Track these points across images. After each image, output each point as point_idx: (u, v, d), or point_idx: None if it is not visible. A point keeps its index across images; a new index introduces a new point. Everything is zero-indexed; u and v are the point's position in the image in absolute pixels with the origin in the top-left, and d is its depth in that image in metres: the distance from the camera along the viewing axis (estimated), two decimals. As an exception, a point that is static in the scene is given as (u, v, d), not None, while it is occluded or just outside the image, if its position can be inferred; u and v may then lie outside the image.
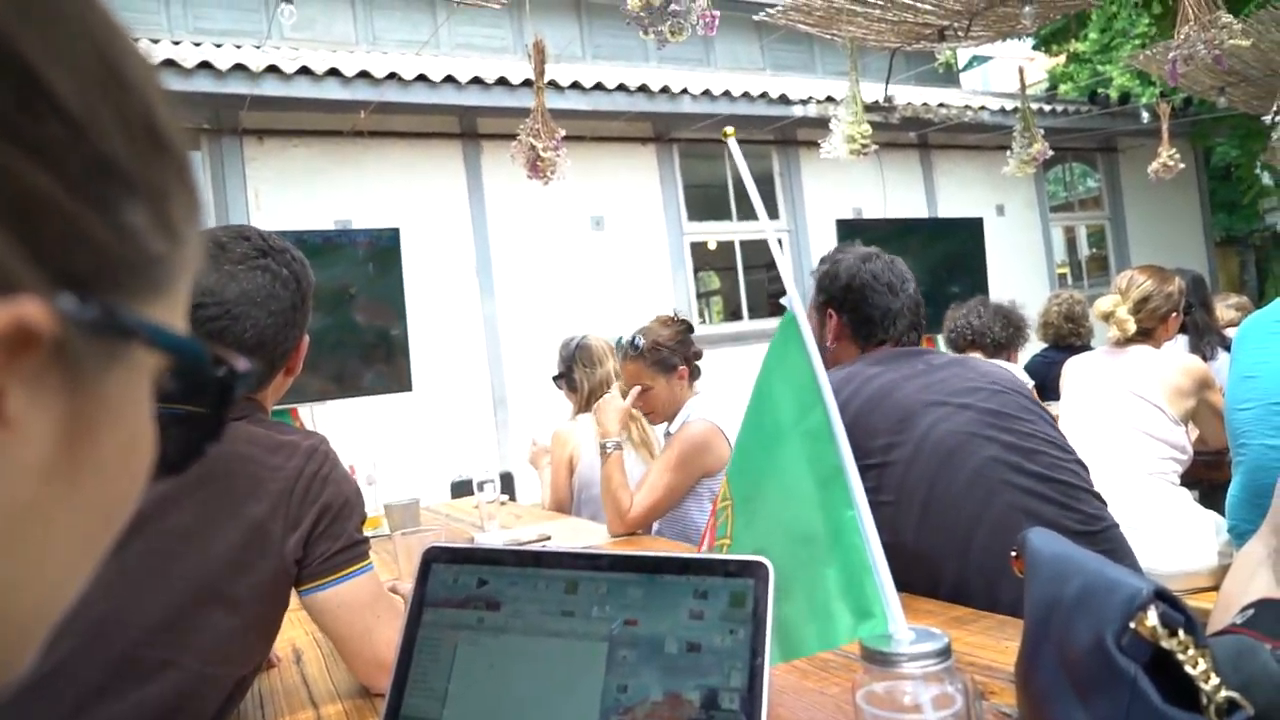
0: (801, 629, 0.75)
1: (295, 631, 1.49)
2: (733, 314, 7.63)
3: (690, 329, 2.47)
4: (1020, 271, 7.88)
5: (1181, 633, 0.57)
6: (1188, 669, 0.55)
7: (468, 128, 5.86)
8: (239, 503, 0.98)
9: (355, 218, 5.37)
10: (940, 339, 5.47)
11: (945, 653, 0.63)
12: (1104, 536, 1.40)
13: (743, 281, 7.02)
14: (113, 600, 0.88)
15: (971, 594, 1.29)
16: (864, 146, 4.46)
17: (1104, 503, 1.46)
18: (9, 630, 0.25)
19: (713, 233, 7.02)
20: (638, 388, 2.33)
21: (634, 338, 2.39)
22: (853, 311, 1.61)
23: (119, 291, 0.24)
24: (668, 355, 2.36)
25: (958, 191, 7.83)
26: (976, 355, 3.23)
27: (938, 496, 1.36)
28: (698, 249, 6.91)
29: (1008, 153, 5.28)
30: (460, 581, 0.70)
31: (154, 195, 0.25)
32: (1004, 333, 3.29)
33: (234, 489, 0.98)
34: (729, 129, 0.97)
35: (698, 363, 2.46)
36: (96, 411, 0.24)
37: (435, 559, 0.71)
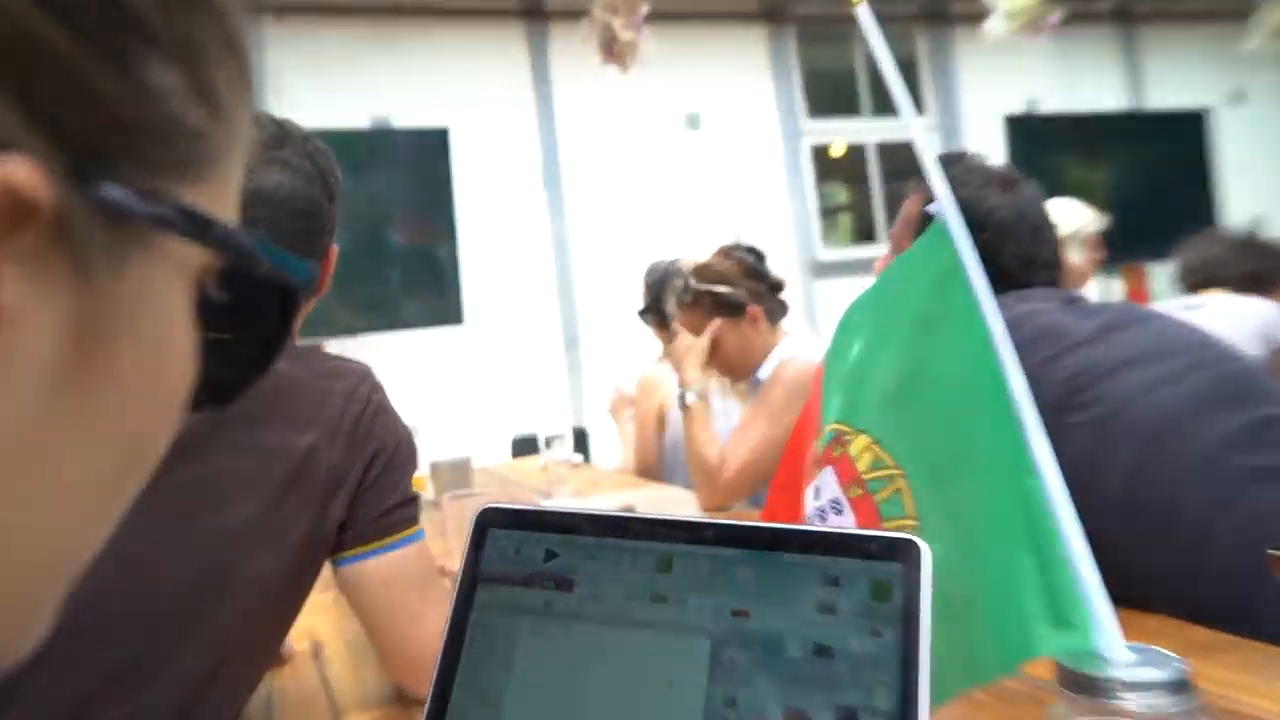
0: (981, 646, 0.71)
1: (315, 619, 1.47)
2: (864, 235, 7.48)
3: (761, 257, 2.40)
4: (1269, 180, 7.40)
5: None
6: None
7: (532, 5, 5.85)
8: (271, 443, 0.96)
9: (396, 114, 5.44)
10: (1160, 275, 5.16)
11: (1183, 685, 0.57)
12: None
13: (878, 194, 6.87)
14: (118, 586, 0.83)
15: (1205, 622, 1.21)
16: (1034, 20, 4.24)
17: None
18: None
19: (839, 132, 6.88)
20: (716, 321, 2.29)
21: (685, 280, 2.33)
22: (981, 260, 1.47)
23: (142, 165, 0.24)
24: (729, 295, 2.30)
25: (1173, 76, 7.39)
26: (1219, 294, 3.02)
27: (1144, 491, 1.25)
28: (820, 154, 6.79)
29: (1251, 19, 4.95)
30: (524, 552, 0.68)
31: (187, 54, 0.25)
32: (1258, 263, 3.07)
33: (263, 427, 0.96)
34: (858, -9, 0.90)
35: (780, 296, 2.39)
36: (113, 310, 0.24)
37: (492, 522, 0.69)
